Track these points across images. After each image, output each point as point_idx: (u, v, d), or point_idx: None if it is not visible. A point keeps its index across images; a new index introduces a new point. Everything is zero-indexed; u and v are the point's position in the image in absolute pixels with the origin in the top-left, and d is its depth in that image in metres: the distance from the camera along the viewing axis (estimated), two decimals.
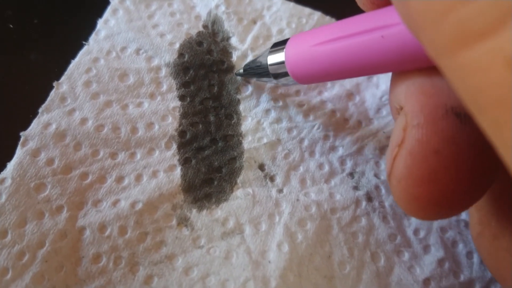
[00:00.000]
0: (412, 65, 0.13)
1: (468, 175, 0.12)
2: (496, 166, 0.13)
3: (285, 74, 0.18)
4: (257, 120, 0.22)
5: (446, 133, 0.12)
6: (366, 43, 0.14)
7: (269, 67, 0.18)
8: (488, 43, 0.07)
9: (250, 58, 0.23)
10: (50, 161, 0.19)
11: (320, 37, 0.15)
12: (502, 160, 0.08)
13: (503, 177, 0.16)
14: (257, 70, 0.20)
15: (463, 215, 0.21)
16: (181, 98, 0.22)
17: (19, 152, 0.19)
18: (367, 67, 0.14)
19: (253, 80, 0.22)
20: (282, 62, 0.18)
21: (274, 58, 0.18)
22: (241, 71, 0.21)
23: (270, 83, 0.22)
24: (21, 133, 0.19)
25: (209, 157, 0.21)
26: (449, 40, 0.08)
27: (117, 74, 0.21)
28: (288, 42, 0.17)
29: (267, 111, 0.22)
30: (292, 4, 0.25)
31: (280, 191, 0.20)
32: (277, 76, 0.18)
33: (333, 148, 0.22)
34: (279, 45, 0.18)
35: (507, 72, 0.07)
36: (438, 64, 0.09)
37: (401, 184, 0.13)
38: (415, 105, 0.13)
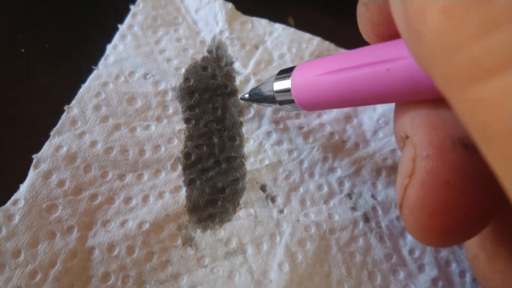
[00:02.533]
0: (417, 97, 0.14)
1: (478, 203, 0.13)
2: (502, 194, 0.13)
3: (291, 101, 0.19)
4: (259, 142, 0.23)
5: (456, 164, 0.13)
6: (371, 75, 0.14)
7: (275, 94, 0.19)
8: (499, 80, 0.07)
9: (252, 82, 0.24)
10: (61, 183, 0.20)
11: (327, 67, 0.16)
12: (505, 190, 0.08)
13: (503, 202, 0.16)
14: (262, 96, 0.20)
15: None
16: (187, 121, 0.22)
17: (31, 174, 0.20)
18: (372, 98, 0.15)
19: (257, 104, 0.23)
20: (288, 90, 0.18)
21: (280, 85, 0.19)
22: (246, 96, 0.22)
23: (273, 107, 0.23)
24: (34, 156, 0.20)
25: (213, 178, 0.21)
26: (461, 74, 0.08)
27: (126, 98, 0.22)
28: (294, 70, 0.18)
29: (269, 133, 0.23)
30: (292, 29, 0.26)
31: (281, 211, 0.21)
32: (282, 102, 0.19)
33: (332, 170, 0.23)
34: (285, 73, 0.19)
35: None
36: (447, 97, 0.09)
37: (414, 214, 0.13)
38: (424, 136, 0.13)
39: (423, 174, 0.13)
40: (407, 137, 0.14)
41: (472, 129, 0.09)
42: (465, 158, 0.13)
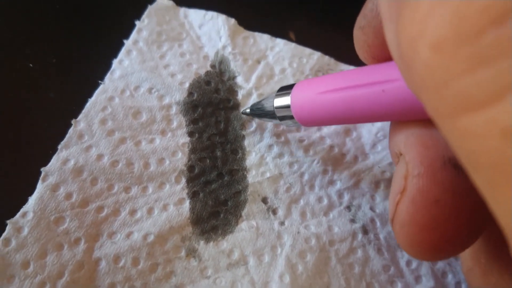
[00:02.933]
0: (410, 117, 0.15)
1: (467, 221, 0.13)
2: (489, 212, 0.14)
3: (290, 117, 0.19)
4: (261, 155, 0.23)
5: (445, 184, 0.13)
6: (367, 95, 0.15)
7: (275, 110, 0.20)
8: (486, 113, 0.08)
9: (254, 96, 0.25)
10: (68, 196, 0.20)
11: (325, 86, 0.17)
12: (493, 215, 0.09)
13: (492, 218, 0.17)
14: (263, 111, 0.21)
15: None
16: (190, 134, 0.23)
17: (39, 187, 0.20)
18: (368, 117, 0.16)
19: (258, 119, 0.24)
20: (288, 106, 0.19)
21: (280, 102, 0.19)
22: (248, 110, 0.23)
23: (273, 122, 0.23)
24: (42, 169, 0.20)
25: (216, 191, 0.22)
26: (450, 106, 0.08)
27: (131, 112, 0.23)
28: (294, 88, 0.19)
29: (270, 147, 0.24)
30: (293, 44, 0.27)
31: (282, 223, 0.22)
32: (282, 118, 0.20)
33: (331, 182, 0.23)
34: (285, 90, 0.19)
35: (502, 141, 0.08)
36: (437, 125, 0.10)
37: (404, 230, 0.14)
38: (416, 155, 0.14)
39: (413, 191, 0.14)
40: (400, 154, 0.15)
41: (461, 156, 0.09)
42: (455, 178, 0.13)
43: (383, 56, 0.16)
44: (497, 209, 0.09)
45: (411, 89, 0.11)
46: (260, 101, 0.22)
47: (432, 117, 0.10)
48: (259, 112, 0.22)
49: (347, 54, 0.27)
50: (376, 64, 0.16)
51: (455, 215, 0.13)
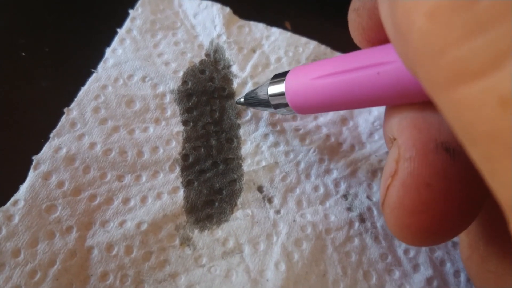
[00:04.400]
0: (405, 100, 0.14)
1: (458, 206, 0.13)
2: (483, 196, 0.13)
3: (285, 105, 0.19)
4: (256, 144, 0.23)
5: (437, 167, 0.13)
6: (362, 79, 0.14)
7: (269, 98, 0.20)
8: (484, 81, 0.08)
9: (249, 85, 0.24)
10: (60, 184, 0.20)
11: (319, 71, 0.16)
12: (491, 190, 0.09)
13: (491, 204, 0.16)
14: (257, 100, 0.21)
15: None
16: (185, 123, 0.23)
17: (31, 175, 0.20)
18: (363, 101, 0.15)
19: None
20: (282, 93, 0.19)
21: (274, 89, 0.19)
22: (242, 100, 0.22)
23: (268, 111, 0.23)
24: (33, 157, 0.20)
25: (211, 180, 0.22)
26: (446, 76, 0.08)
27: (124, 101, 0.22)
28: (288, 75, 0.18)
29: (266, 135, 0.23)
30: (289, 33, 0.27)
31: (277, 212, 0.21)
32: (276, 106, 0.20)
33: (328, 171, 0.23)
34: (279, 77, 0.19)
35: (500, 110, 0.07)
36: (433, 99, 0.09)
37: (394, 213, 0.14)
38: (408, 138, 0.14)
39: (404, 175, 0.13)
40: (394, 139, 0.15)
41: (457, 130, 0.09)
42: (446, 162, 0.13)
43: (378, 38, 0.16)
44: (495, 184, 0.08)
45: (406, 66, 0.11)
46: (254, 90, 0.21)
47: (428, 92, 0.10)
48: (253, 101, 0.21)
49: (343, 44, 0.27)
50: (370, 47, 0.16)
51: (445, 199, 0.13)
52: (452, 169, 0.13)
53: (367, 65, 0.14)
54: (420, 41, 0.09)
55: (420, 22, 0.09)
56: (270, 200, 0.22)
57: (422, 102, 0.14)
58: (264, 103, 0.20)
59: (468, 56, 0.08)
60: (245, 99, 0.22)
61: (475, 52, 0.08)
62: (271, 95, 0.19)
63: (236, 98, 0.24)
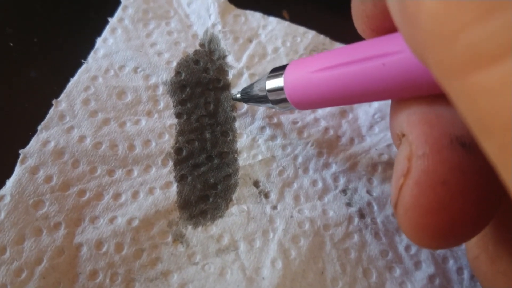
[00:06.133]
0: (414, 93, 0.13)
1: (475, 204, 0.12)
2: (500, 193, 0.13)
3: (284, 100, 0.18)
4: (252, 137, 0.22)
5: (452, 163, 0.12)
6: (367, 70, 0.14)
7: (268, 93, 0.19)
8: (500, 67, 0.07)
9: (245, 76, 0.24)
10: (48, 178, 0.19)
11: (320, 64, 0.15)
12: (505, 185, 0.08)
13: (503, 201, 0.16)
14: (254, 95, 0.20)
15: None
16: (178, 115, 0.22)
17: (18, 169, 0.19)
18: (367, 95, 0.14)
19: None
20: (281, 88, 0.18)
21: (272, 84, 0.18)
22: (238, 95, 0.21)
23: (265, 107, 0.22)
24: (20, 151, 0.19)
25: (205, 174, 0.21)
26: (460, 62, 0.08)
27: (115, 92, 0.22)
28: (287, 68, 0.17)
29: (262, 129, 0.23)
30: (287, 23, 0.26)
31: (274, 207, 0.21)
32: (275, 102, 0.19)
33: (326, 165, 0.22)
34: (278, 71, 0.18)
35: None
36: (445, 88, 0.09)
37: (408, 214, 0.13)
38: (420, 134, 0.13)
39: (418, 173, 0.13)
40: (403, 135, 0.14)
41: (471, 121, 0.08)
42: (462, 157, 0.12)
43: (383, 27, 0.15)
44: (508, 177, 0.08)
45: (415, 53, 0.10)
46: (251, 85, 0.20)
47: (439, 81, 0.09)
48: (251, 96, 0.20)
49: (342, 34, 0.26)
50: (375, 37, 0.15)
51: (462, 196, 0.12)
52: (468, 165, 0.12)
53: (371, 56, 0.13)
54: (431, 24, 0.08)
55: (430, 4, 0.08)
56: (266, 195, 0.21)
57: (431, 96, 0.13)
58: (262, 99, 0.19)
59: (484, 38, 0.07)
60: (241, 94, 0.21)
61: (492, 33, 0.07)
62: (269, 90, 0.18)
63: (232, 93, 0.23)
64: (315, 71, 0.16)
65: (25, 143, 0.20)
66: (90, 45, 0.23)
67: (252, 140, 0.22)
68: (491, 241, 0.17)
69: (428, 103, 0.13)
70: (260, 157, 0.22)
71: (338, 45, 0.26)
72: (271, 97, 0.19)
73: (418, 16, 0.09)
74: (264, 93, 0.19)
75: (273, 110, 0.23)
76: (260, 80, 0.19)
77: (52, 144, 0.20)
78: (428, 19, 0.08)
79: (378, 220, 0.21)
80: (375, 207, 0.22)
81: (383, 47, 0.13)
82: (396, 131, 0.14)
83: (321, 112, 0.24)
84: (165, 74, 0.23)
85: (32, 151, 0.19)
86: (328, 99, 0.16)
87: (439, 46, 0.08)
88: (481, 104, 0.08)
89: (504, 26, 0.07)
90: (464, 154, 0.12)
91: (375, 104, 0.24)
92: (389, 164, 0.23)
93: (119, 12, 0.24)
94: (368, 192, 0.22)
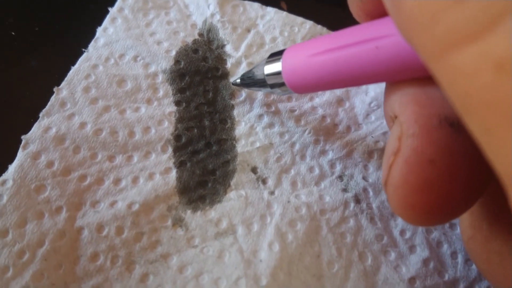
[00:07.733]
0: (406, 75, 0.14)
1: (463, 183, 0.13)
2: (489, 172, 0.13)
3: (282, 84, 0.18)
4: (251, 124, 0.23)
5: (441, 143, 0.13)
6: (361, 53, 0.14)
7: (266, 77, 0.19)
8: (478, 46, 0.07)
9: (244, 65, 0.24)
10: (50, 164, 0.20)
11: (317, 48, 0.16)
12: (490, 163, 0.08)
13: (495, 181, 0.16)
14: (254, 80, 0.20)
15: None
16: (177, 103, 0.22)
17: (20, 154, 0.19)
18: (362, 78, 0.15)
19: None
20: (279, 72, 0.18)
21: (271, 68, 0.19)
22: (238, 81, 0.22)
23: (264, 91, 0.22)
24: (22, 137, 0.20)
25: (204, 160, 0.21)
26: (440, 42, 0.08)
27: (115, 80, 0.22)
28: (285, 53, 0.18)
29: (260, 116, 0.23)
30: (285, 13, 0.26)
31: (271, 193, 0.21)
32: (273, 86, 0.19)
33: (323, 152, 0.23)
34: (276, 56, 0.18)
35: (495, 76, 0.07)
36: (429, 68, 0.09)
37: (397, 192, 0.13)
38: (410, 115, 0.13)
39: (408, 152, 0.13)
40: (395, 117, 0.14)
41: (454, 100, 0.08)
42: (451, 137, 0.13)
43: (377, 11, 0.15)
44: (494, 156, 0.08)
45: (402, 34, 0.11)
46: (250, 70, 0.21)
47: (423, 61, 0.09)
48: (250, 81, 0.21)
49: (340, 24, 0.26)
50: (369, 21, 0.15)
51: (450, 176, 0.13)
52: (456, 145, 0.13)
53: (365, 40, 0.14)
54: (413, 9, 0.09)
55: None
56: (264, 181, 0.21)
57: (423, 77, 0.13)
58: (260, 83, 0.20)
59: (460, 20, 0.07)
60: (241, 79, 0.21)
61: (468, 15, 0.07)
62: (268, 75, 0.19)
63: (232, 79, 0.23)
64: (312, 55, 0.16)
65: (27, 130, 0.20)
66: (91, 34, 0.23)
67: (250, 128, 0.23)
68: (485, 221, 0.17)
69: (420, 84, 0.14)
70: (258, 144, 0.22)
71: None
72: (270, 81, 0.19)
73: (404, 2, 0.09)
74: (263, 78, 0.19)
75: (272, 97, 0.23)
76: (259, 65, 0.20)
77: (54, 130, 0.20)
78: (411, 3, 0.09)
79: (374, 205, 0.22)
80: (371, 193, 0.22)
81: (376, 30, 0.14)
82: (389, 113, 0.15)
83: (318, 100, 0.24)
84: (165, 63, 0.23)
85: (34, 137, 0.20)
86: (325, 82, 0.16)
87: (421, 28, 0.09)
88: (461, 83, 0.08)
89: (478, 8, 0.07)
90: (453, 133, 0.13)
91: (372, 93, 0.25)
92: (385, 146, 0.23)
93: (119, 2, 0.24)
94: (364, 178, 0.22)
